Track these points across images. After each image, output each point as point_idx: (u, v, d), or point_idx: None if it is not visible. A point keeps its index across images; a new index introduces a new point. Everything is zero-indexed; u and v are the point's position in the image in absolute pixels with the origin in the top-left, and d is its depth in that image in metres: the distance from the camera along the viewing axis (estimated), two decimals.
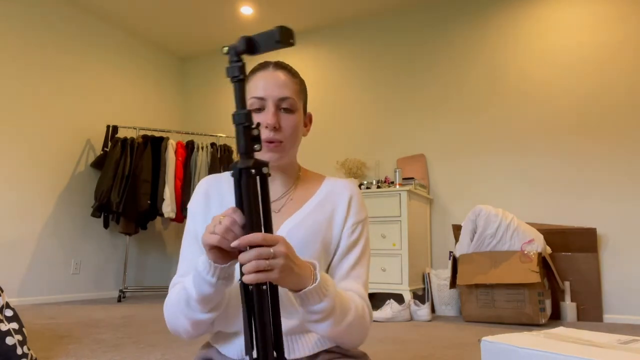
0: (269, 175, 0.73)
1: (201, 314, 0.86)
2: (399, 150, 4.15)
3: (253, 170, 0.71)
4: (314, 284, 0.79)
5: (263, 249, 0.71)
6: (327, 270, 0.99)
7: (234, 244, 0.71)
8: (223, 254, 0.77)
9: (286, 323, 0.92)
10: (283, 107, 0.94)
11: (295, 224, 0.97)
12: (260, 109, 0.95)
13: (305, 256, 0.94)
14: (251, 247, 0.71)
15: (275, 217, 0.99)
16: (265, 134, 0.93)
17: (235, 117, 0.71)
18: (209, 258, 0.78)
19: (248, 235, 0.70)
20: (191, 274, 0.85)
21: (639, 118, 3.33)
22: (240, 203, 0.74)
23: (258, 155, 0.95)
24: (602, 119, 3.44)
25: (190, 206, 1.04)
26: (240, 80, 0.71)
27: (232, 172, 0.72)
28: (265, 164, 0.72)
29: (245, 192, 0.71)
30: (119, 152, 4.08)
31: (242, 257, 0.70)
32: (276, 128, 0.93)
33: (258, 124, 0.73)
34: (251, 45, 0.71)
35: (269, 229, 0.73)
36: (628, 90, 3.39)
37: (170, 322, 0.92)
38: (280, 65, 0.99)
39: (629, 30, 3.44)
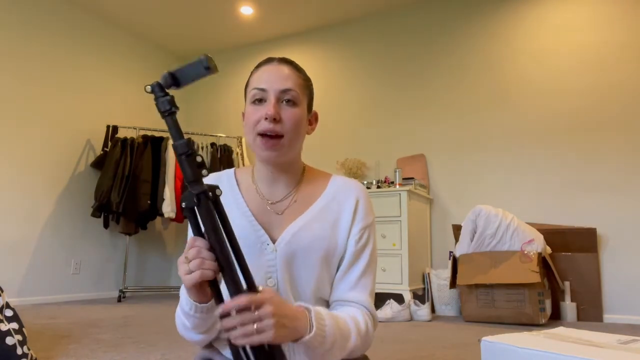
0: (221, 193, 0.73)
1: (197, 336, 0.89)
2: (399, 150, 4.15)
3: (210, 193, 0.71)
4: (311, 334, 0.76)
5: (246, 315, 0.68)
6: (332, 278, 0.97)
7: (218, 311, 0.69)
8: (204, 288, 0.78)
9: None
10: (285, 99, 0.92)
11: (300, 228, 0.94)
12: (261, 100, 0.93)
13: (308, 263, 0.93)
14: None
15: (278, 220, 0.97)
16: (264, 125, 0.90)
17: (176, 147, 0.70)
18: (189, 297, 0.80)
19: (232, 300, 0.68)
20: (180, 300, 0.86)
21: (639, 118, 3.33)
22: (198, 231, 0.74)
23: (257, 152, 0.94)
24: (602, 118, 3.44)
25: None
26: (172, 113, 0.70)
27: (184, 203, 0.71)
28: (216, 186, 0.72)
29: (207, 217, 0.71)
30: (119, 152, 4.07)
31: (226, 323, 0.68)
32: (276, 120, 0.90)
33: (196, 153, 0.71)
34: (175, 79, 0.70)
35: (236, 250, 0.73)
36: (628, 90, 3.39)
37: (181, 334, 0.94)
38: (285, 60, 0.97)
39: (630, 30, 3.44)
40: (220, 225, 0.72)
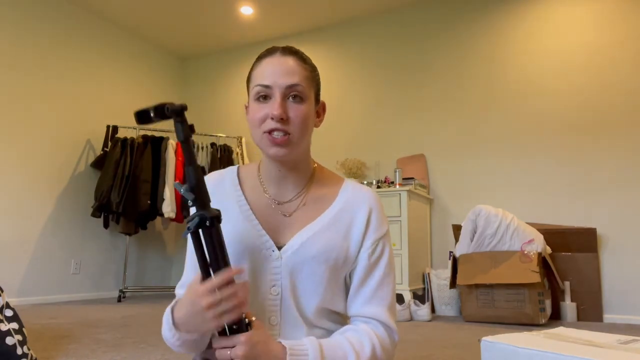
0: (220, 221, 0.78)
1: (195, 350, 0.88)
2: (399, 150, 4.15)
3: (214, 220, 0.76)
4: None
5: (224, 348, 0.75)
6: (341, 288, 0.93)
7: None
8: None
9: (292, 335, 0.89)
10: (292, 95, 0.86)
11: (308, 238, 0.89)
12: (265, 97, 0.86)
13: (315, 274, 0.88)
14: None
15: (285, 223, 0.92)
16: (270, 125, 0.84)
17: (189, 172, 0.76)
18: (186, 331, 0.80)
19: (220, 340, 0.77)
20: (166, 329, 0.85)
21: (639, 118, 3.33)
22: (200, 253, 0.76)
23: (265, 150, 0.89)
24: (602, 118, 3.44)
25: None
26: (190, 138, 0.76)
27: (190, 224, 0.75)
28: (219, 212, 0.76)
29: (217, 240, 0.76)
30: (119, 152, 4.07)
31: (213, 342, 0.78)
32: (283, 119, 0.84)
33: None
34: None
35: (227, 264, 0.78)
36: (628, 90, 3.39)
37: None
38: (289, 50, 0.90)
39: (629, 30, 3.44)
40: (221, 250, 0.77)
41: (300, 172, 0.94)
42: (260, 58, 0.91)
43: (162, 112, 0.73)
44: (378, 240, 0.93)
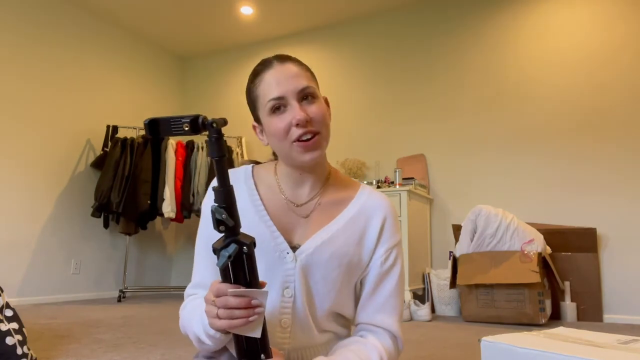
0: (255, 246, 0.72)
1: (212, 346, 0.86)
2: (399, 150, 4.15)
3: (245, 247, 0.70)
4: None
5: None
6: (352, 292, 0.94)
7: None
8: None
9: (303, 338, 0.90)
10: (305, 97, 0.87)
11: (323, 242, 0.90)
12: (280, 108, 0.86)
13: (328, 277, 0.89)
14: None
15: (301, 223, 0.92)
16: (297, 132, 0.84)
17: (218, 193, 0.68)
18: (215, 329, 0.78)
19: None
20: (197, 319, 0.83)
21: (639, 118, 3.33)
22: (230, 277, 0.71)
23: (298, 158, 0.88)
24: (602, 118, 3.44)
25: (204, 208, 0.97)
26: (225, 156, 0.69)
27: (231, 253, 0.68)
28: (252, 237, 0.72)
29: (249, 265, 0.70)
30: (119, 152, 4.07)
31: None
32: (308, 121, 0.84)
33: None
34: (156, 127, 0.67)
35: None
36: (628, 90, 3.39)
37: (184, 333, 0.91)
38: (285, 57, 0.90)
39: (629, 30, 3.44)
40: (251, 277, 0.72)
41: (317, 174, 0.94)
42: (258, 74, 0.90)
43: (196, 125, 0.66)
44: (391, 249, 0.94)
